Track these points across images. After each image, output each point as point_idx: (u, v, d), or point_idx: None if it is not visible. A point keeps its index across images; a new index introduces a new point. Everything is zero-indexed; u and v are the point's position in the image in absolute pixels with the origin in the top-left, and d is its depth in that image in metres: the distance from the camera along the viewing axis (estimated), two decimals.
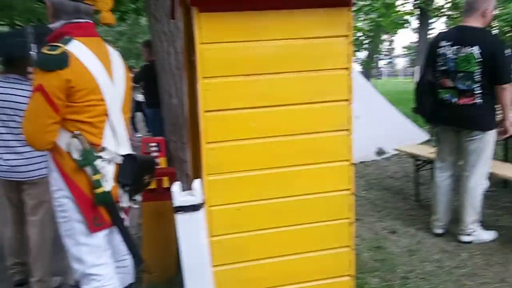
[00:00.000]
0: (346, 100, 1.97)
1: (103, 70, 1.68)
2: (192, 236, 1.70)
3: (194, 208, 1.69)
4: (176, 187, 1.71)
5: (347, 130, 2.02)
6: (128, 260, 1.90)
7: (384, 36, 33.98)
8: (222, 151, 1.90)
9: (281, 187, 2.00)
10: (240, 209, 1.96)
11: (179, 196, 1.67)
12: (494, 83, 2.94)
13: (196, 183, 1.76)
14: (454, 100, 3.06)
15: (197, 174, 2.18)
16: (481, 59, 2.90)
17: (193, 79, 2.26)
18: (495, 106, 3.04)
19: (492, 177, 3.21)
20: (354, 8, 10.23)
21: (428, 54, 3.27)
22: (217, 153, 1.89)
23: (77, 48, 1.61)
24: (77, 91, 1.59)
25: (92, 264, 1.70)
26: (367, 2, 10.31)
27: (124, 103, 1.84)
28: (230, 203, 1.94)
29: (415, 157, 4.20)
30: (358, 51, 11.18)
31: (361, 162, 6.02)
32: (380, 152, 6.42)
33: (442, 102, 3.13)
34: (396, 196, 4.44)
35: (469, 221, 3.13)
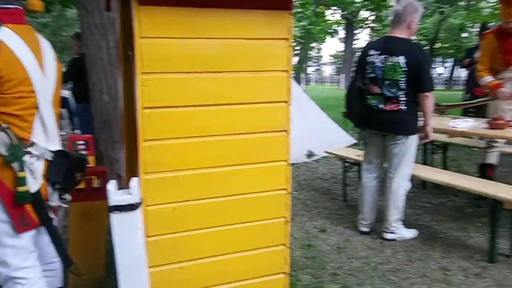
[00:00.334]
0: (285, 101, 2.01)
1: (34, 61, 1.57)
2: (128, 236, 1.64)
3: (131, 207, 1.63)
4: (111, 186, 1.64)
5: (285, 131, 2.05)
6: (56, 263, 1.78)
7: (313, 44, 35.38)
8: (160, 149, 1.85)
9: (219, 187, 1.99)
10: (177, 209, 1.93)
11: (115, 195, 1.60)
12: (418, 91, 3.15)
13: (134, 181, 1.70)
14: (381, 106, 3.24)
15: (132, 174, 2.11)
16: (406, 68, 3.10)
17: (130, 74, 2.19)
18: (418, 113, 3.26)
19: (412, 178, 3.44)
20: None
21: (358, 61, 3.44)
22: (154, 151, 1.84)
23: (6, 35, 1.49)
24: (6, 82, 1.47)
25: (17, 267, 1.58)
26: (299, 10, 10.63)
27: (55, 96, 1.73)
28: (166, 202, 1.90)
29: (343, 159, 4.39)
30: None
31: (293, 164, 6.16)
32: (310, 154, 6.64)
33: (370, 107, 3.30)
34: (325, 196, 4.61)
35: (393, 220, 3.33)
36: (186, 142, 1.89)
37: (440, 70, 39.96)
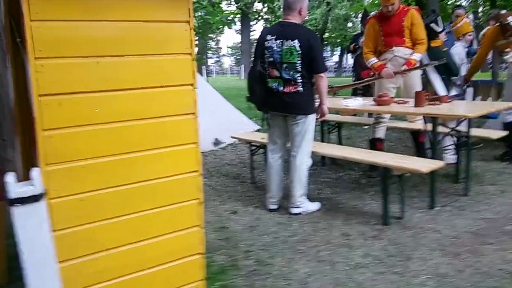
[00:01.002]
0: (191, 84, 2.03)
1: None
2: (34, 230, 1.56)
3: (35, 199, 1.54)
4: (10, 178, 1.54)
5: (193, 113, 2.09)
6: None
7: (212, 35, 35.41)
8: (62, 139, 1.77)
9: (128, 174, 1.96)
10: (84, 199, 1.86)
11: (15, 187, 1.50)
12: (313, 72, 3.38)
13: (35, 172, 1.61)
14: (281, 88, 3.41)
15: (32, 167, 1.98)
16: (301, 51, 3.30)
17: (20, 62, 2.05)
18: (314, 94, 3.49)
19: (313, 155, 3.69)
20: None
21: (256, 47, 3.57)
22: (55, 141, 1.75)
23: None
24: None
25: None
26: (195, 0, 10.58)
27: None
28: (72, 194, 1.82)
29: (249, 143, 4.53)
30: None
31: (201, 152, 6.20)
32: (217, 142, 6.71)
33: (271, 90, 3.46)
34: (234, 180, 4.72)
35: (298, 195, 3.55)
36: (89, 130, 1.83)
37: (335, 58, 42.50)
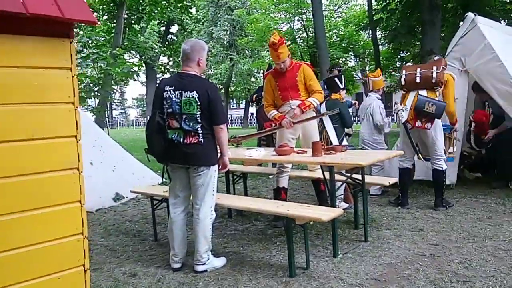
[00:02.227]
0: (74, 136, 1.85)
1: None
2: None
3: None
4: None
5: (77, 168, 1.88)
6: None
7: (116, 87, 34.62)
8: None
9: None
10: None
11: None
12: (213, 124, 3.34)
13: None
14: (181, 139, 3.31)
15: None
16: (199, 103, 3.25)
17: None
18: (216, 145, 3.44)
19: (218, 208, 3.58)
20: (82, 55, 9.80)
21: (154, 98, 3.46)
22: None
23: None
24: None
25: None
26: (95, 51, 10.29)
27: None
28: None
29: (151, 197, 4.29)
30: (88, 98, 10.90)
31: (98, 210, 5.76)
32: (118, 197, 6.31)
33: (171, 142, 3.33)
34: (135, 238, 4.40)
35: (203, 251, 3.37)
36: None
37: (241, 111, 43.60)
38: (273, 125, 6.43)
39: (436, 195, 4.91)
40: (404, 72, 5.04)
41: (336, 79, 5.09)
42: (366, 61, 28.29)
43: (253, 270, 3.37)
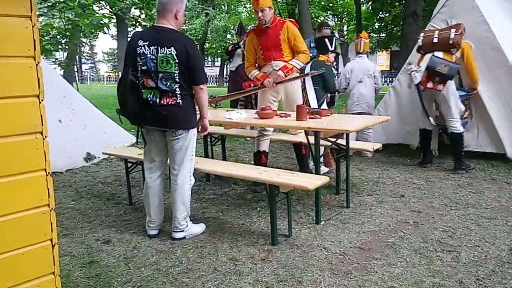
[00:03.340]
0: (36, 96, 1.60)
1: None
2: None
3: None
4: None
5: (40, 133, 1.65)
6: None
7: (85, 40, 33.03)
8: None
9: None
10: None
11: None
12: (192, 83, 3.09)
13: None
14: (157, 100, 3.06)
15: None
16: (177, 60, 2.99)
17: None
18: (195, 106, 3.21)
19: (196, 172, 3.40)
20: (48, 4, 9.14)
21: (127, 53, 3.16)
22: None
23: None
24: None
25: None
26: (61, 0, 9.59)
27: None
28: None
29: (125, 159, 4.06)
30: (55, 51, 10.25)
31: (68, 170, 5.50)
32: (89, 157, 6.03)
33: (146, 102, 3.08)
34: (108, 202, 4.19)
35: (181, 218, 3.21)
36: None
37: (216, 69, 42.71)
38: (252, 86, 6.21)
39: (455, 158, 4.91)
40: (422, 35, 5.02)
41: (326, 39, 4.84)
42: (344, 21, 27.88)
43: (233, 237, 3.25)
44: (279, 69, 4.21)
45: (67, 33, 9.74)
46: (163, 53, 3.00)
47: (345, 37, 25.69)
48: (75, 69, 34.66)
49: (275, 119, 3.72)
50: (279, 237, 3.16)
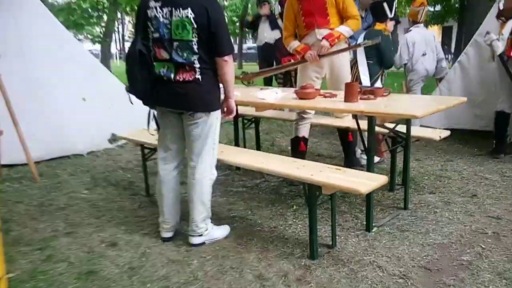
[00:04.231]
0: None
1: None
2: None
3: None
4: None
5: None
6: None
7: (127, 18, 32.89)
8: None
9: None
10: None
11: None
12: (215, 54, 2.47)
13: None
14: (172, 75, 2.46)
15: None
16: (196, 26, 2.37)
17: None
18: (219, 83, 2.59)
19: (220, 162, 2.81)
20: None
21: (137, 16, 2.57)
22: None
23: None
24: None
25: None
26: None
27: None
28: None
29: (141, 145, 3.52)
30: (87, 25, 9.88)
31: (90, 153, 5.07)
32: (113, 139, 5.56)
33: (158, 78, 2.49)
34: (124, 192, 3.70)
35: (199, 220, 2.64)
36: None
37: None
38: (292, 60, 5.51)
39: None
40: None
41: (385, 3, 4.03)
42: None
43: (263, 245, 2.64)
44: (323, 38, 3.50)
45: (100, 7, 9.33)
46: (178, 16, 2.38)
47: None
48: (118, 47, 34.81)
49: (317, 100, 3.03)
50: (320, 247, 2.52)
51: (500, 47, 4.10)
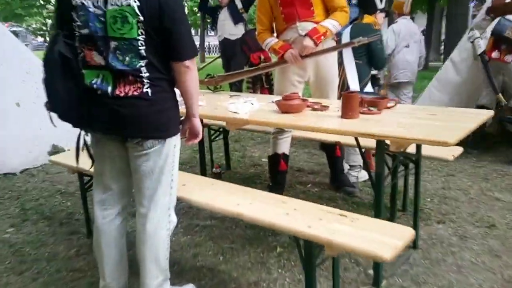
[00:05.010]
0: None
1: None
2: None
3: None
4: None
5: None
6: None
7: None
8: None
9: None
10: None
11: None
12: (171, 59, 1.75)
13: None
14: (108, 89, 1.73)
15: None
16: (144, 18, 1.64)
17: None
18: (176, 97, 1.88)
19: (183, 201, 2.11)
20: None
21: (57, 8, 1.81)
22: None
23: None
24: None
25: None
26: None
27: None
28: None
29: (78, 173, 2.74)
30: (27, 16, 8.77)
31: (25, 170, 4.21)
32: (55, 151, 4.69)
33: (90, 92, 1.75)
34: (60, 229, 2.92)
35: (154, 285, 1.92)
36: None
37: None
38: (261, 59, 4.86)
39: None
40: None
41: None
42: None
43: None
44: (306, 34, 2.84)
45: None
46: (115, 3, 1.65)
47: None
48: None
49: (305, 114, 2.36)
50: None
51: (482, 46, 3.86)
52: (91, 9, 1.68)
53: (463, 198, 3.18)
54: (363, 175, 3.51)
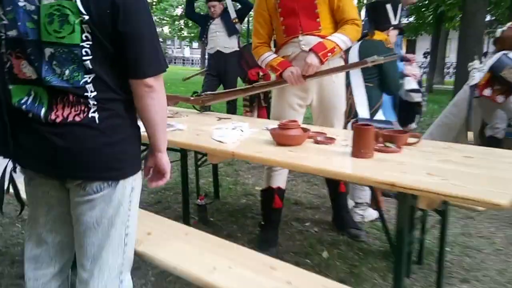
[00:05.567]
0: None
1: None
2: None
3: None
4: None
5: None
6: None
7: None
8: None
9: None
10: None
11: None
12: (128, 75, 1.30)
13: None
14: (42, 111, 1.27)
15: None
16: (89, 17, 1.20)
17: None
18: (135, 123, 1.42)
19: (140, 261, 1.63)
20: None
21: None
22: None
23: None
24: None
25: None
26: None
27: None
28: None
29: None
30: None
31: None
32: None
33: (17, 113, 1.29)
34: None
35: None
36: None
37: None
38: (260, 75, 4.44)
39: None
40: (508, 24, 3.71)
41: (389, 5, 2.95)
42: None
43: None
44: (311, 49, 2.41)
45: None
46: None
47: None
48: None
49: (306, 147, 1.90)
50: None
51: (476, 79, 3.68)
52: (21, 3, 1.23)
53: (488, 249, 2.70)
54: (370, 214, 3.05)
